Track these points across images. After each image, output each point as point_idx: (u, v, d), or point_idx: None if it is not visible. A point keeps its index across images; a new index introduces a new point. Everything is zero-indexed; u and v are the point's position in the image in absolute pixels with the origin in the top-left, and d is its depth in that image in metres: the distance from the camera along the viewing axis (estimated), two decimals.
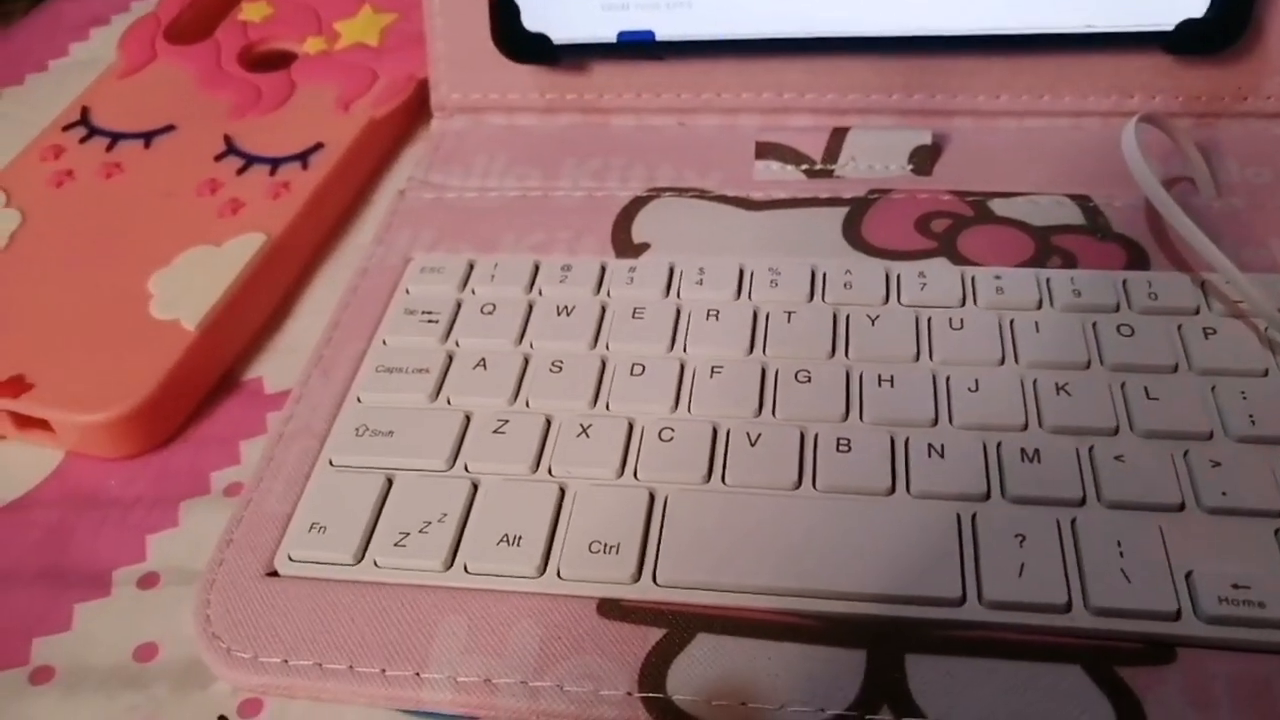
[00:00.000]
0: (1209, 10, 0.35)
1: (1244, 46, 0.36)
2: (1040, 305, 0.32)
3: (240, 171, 0.39)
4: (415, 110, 0.43)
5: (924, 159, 0.37)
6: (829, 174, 0.37)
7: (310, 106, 0.42)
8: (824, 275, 0.33)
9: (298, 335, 0.36)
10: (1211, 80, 0.37)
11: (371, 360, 0.33)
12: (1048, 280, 0.32)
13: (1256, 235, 0.33)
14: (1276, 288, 0.31)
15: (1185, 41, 0.35)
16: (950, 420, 0.29)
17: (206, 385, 0.34)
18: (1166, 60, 0.36)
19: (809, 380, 0.30)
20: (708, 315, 0.33)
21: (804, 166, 0.38)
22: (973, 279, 0.33)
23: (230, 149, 0.40)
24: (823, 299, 0.33)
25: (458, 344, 0.33)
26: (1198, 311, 0.31)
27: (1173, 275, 0.32)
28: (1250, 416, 0.28)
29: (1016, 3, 0.36)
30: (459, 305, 0.34)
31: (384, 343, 0.33)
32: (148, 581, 0.29)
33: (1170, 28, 0.35)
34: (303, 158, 0.40)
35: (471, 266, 0.35)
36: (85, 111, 0.43)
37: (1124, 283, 0.32)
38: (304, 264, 0.38)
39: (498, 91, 0.41)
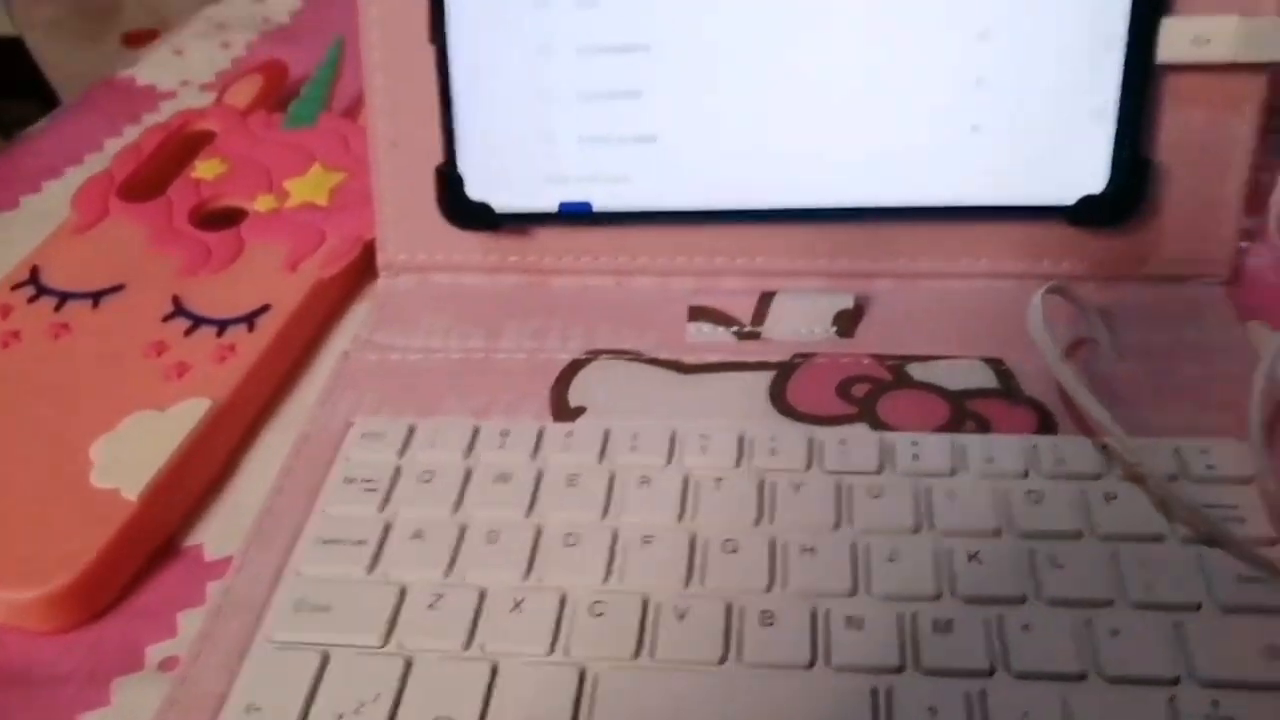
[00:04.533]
0: (1107, 186, 0.37)
1: (1142, 217, 0.38)
2: (954, 472, 0.33)
3: (188, 333, 0.40)
4: (362, 269, 0.44)
5: (847, 322, 0.39)
6: (756, 336, 0.39)
7: (259, 265, 0.43)
8: (751, 441, 0.35)
9: (239, 498, 0.37)
10: (1114, 247, 0.39)
11: (312, 531, 0.33)
12: (963, 447, 0.34)
13: (1156, 396, 0.35)
14: (1165, 453, 0.33)
15: (1086, 215, 0.38)
16: (869, 590, 0.30)
17: (145, 554, 0.35)
18: (1072, 229, 0.39)
19: (735, 551, 0.32)
20: (640, 482, 0.34)
21: (733, 329, 0.39)
22: (891, 445, 0.34)
23: (178, 310, 0.41)
24: (750, 464, 0.34)
25: (396, 513, 0.34)
26: (1099, 477, 0.33)
27: (1077, 440, 0.34)
28: (1146, 583, 0.30)
29: (934, 178, 0.38)
30: (398, 472, 0.35)
31: (324, 513, 0.34)
32: None
33: (1072, 202, 0.38)
34: (249, 319, 0.41)
35: (412, 431, 0.36)
36: (35, 270, 0.44)
37: (1034, 447, 0.34)
38: (248, 427, 0.39)
39: (442, 252, 0.42)
